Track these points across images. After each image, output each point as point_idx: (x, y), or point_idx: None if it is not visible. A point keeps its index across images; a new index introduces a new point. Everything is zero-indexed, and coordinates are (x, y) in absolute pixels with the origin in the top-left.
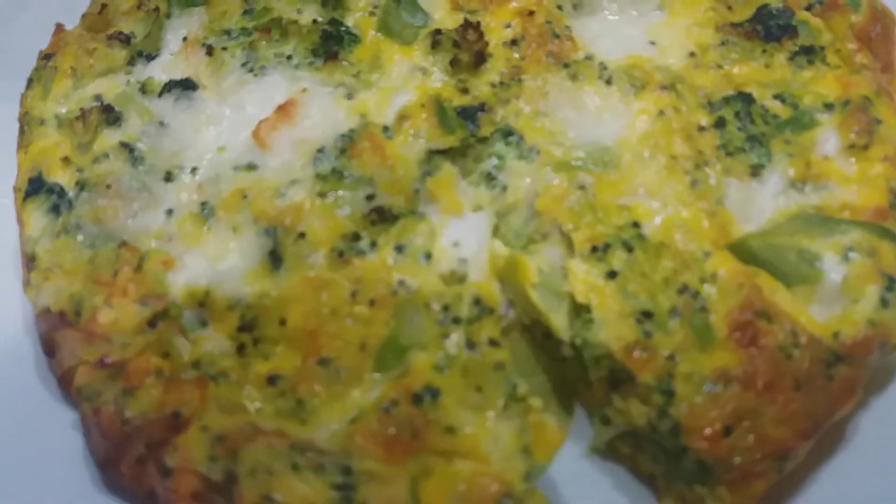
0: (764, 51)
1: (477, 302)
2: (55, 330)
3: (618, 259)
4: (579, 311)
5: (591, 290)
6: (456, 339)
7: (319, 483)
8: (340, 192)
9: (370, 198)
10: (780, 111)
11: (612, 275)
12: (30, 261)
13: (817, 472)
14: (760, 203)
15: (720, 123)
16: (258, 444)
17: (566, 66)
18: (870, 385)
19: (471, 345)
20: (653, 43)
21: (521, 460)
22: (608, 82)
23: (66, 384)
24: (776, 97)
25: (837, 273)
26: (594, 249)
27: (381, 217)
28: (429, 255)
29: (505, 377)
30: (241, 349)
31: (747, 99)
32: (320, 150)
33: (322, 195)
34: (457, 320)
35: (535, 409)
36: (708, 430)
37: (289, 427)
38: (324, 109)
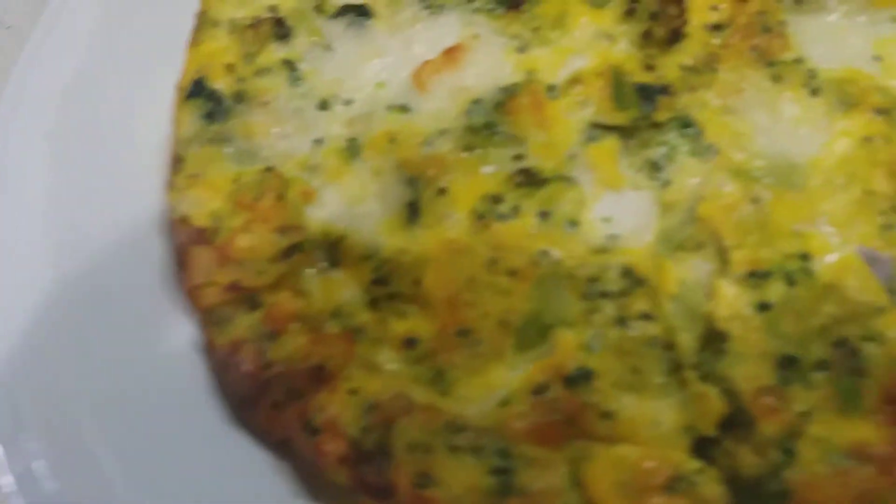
0: None
1: (627, 273)
2: (191, 243)
3: (775, 291)
4: (713, 338)
5: (735, 317)
6: (605, 314)
7: (478, 466)
8: (488, 148)
9: (518, 158)
10: None
11: (763, 307)
12: (177, 162)
13: None
14: None
15: None
16: (414, 420)
17: (770, 64)
18: None
19: (622, 320)
20: (878, 58)
21: (685, 437)
22: (814, 93)
23: (193, 300)
24: None
25: None
26: (751, 275)
27: (528, 180)
28: (575, 224)
29: (661, 353)
30: (374, 303)
31: None
32: (476, 102)
33: (469, 149)
34: (605, 294)
35: (692, 379)
36: None
37: (432, 397)
38: (492, 59)
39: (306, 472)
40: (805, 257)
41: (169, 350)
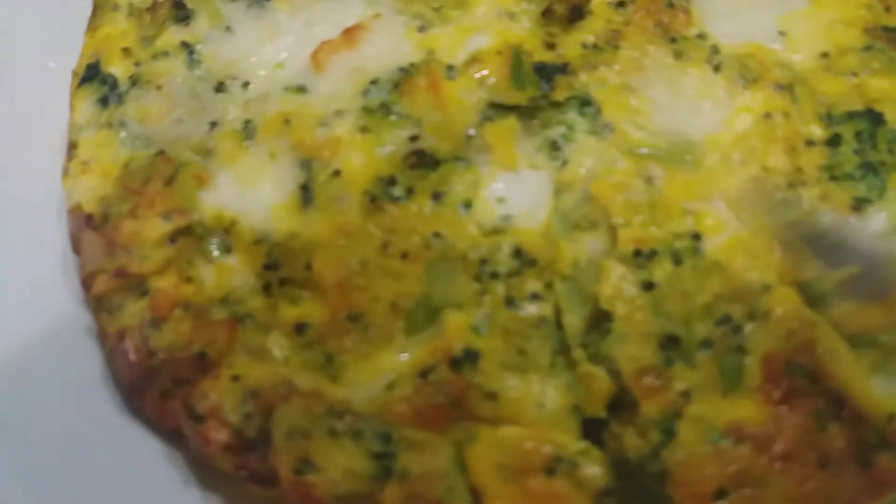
0: None
1: (517, 253)
2: (81, 231)
3: (660, 270)
4: (601, 318)
5: (619, 297)
6: (495, 295)
7: (358, 450)
8: (384, 129)
9: (414, 139)
10: None
11: (648, 286)
12: (71, 148)
13: None
14: (854, 242)
15: (834, 141)
16: (294, 406)
17: (673, 40)
18: None
19: (511, 301)
20: (782, 33)
21: (572, 418)
22: (716, 69)
23: (87, 288)
24: None
25: None
26: (637, 253)
27: (422, 161)
28: (468, 205)
29: (550, 333)
30: (267, 288)
31: (876, 119)
32: (374, 82)
33: (364, 130)
34: (495, 275)
35: (580, 359)
36: (699, 487)
37: (320, 383)
38: (392, 39)
39: (197, 460)
40: (696, 236)
41: (65, 340)
